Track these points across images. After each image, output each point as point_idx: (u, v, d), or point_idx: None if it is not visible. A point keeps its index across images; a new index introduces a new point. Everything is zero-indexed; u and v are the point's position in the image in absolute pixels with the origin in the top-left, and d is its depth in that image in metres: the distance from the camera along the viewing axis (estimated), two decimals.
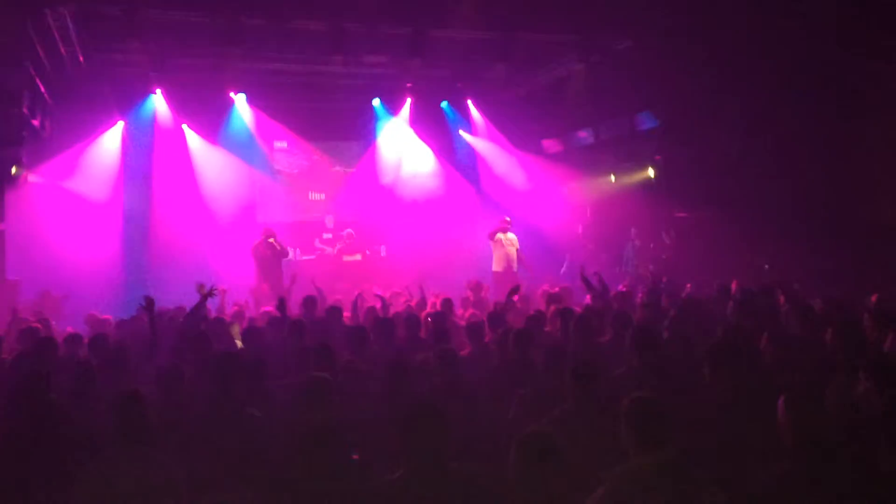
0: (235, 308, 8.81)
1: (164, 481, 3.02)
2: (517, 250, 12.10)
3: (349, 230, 13.55)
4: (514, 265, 12.00)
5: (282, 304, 7.04)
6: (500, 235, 12.05)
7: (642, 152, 12.95)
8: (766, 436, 3.27)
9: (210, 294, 6.95)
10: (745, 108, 10.96)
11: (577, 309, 7.40)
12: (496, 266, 12.05)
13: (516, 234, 12.27)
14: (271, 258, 11.55)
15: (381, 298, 8.17)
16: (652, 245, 12.57)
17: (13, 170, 9.92)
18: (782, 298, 7.44)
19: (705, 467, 3.01)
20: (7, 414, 4.42)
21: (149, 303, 5.98)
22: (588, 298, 8.29)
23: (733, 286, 8.24)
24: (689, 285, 9.39)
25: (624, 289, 9.55)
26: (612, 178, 13.74)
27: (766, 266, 9.21)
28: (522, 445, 2.98)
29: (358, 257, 13.33)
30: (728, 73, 10.89)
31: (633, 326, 5.67)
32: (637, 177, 13.03)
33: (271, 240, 11.64)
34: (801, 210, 10.12)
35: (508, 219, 12.30)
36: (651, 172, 12.76)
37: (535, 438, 3.00)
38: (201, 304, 6.72)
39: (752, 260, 9.96)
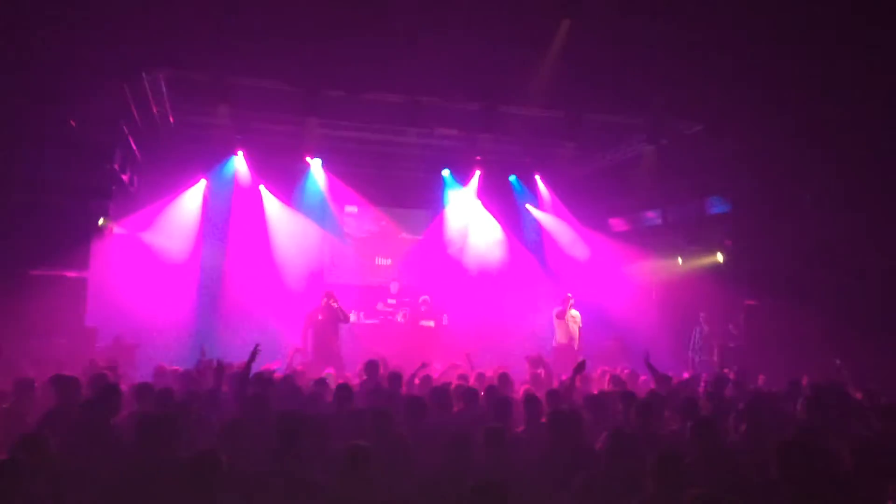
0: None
1: None
2: (579, 328, 12.05)
3: (425, 297, 13.65)
4: (576, 342, 11.93)
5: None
6: (562, 313, 12.08)
7: (712, 236, 12.79)
8: None
9: (254, 354, 7.04)
10: (820, 196, 10.79)
11: (640, 394, 7.25)
12: (559, 340, 12.00)
13: (579, 312, 12.24)
14: (326, 321, 11.64)
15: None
16: (719, 332, 12.29)
17: (101, 221, 10.44)
18: (859, 395, 7.16)
19: None
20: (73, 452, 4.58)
21: (218, 364, 6.14)
22: (652, 383, 8.12)
23: (804, 381, 7.96)
24: (761, 377, 9.11)
25: (688, 376, 9.32)
26: (680, 260, 13.57)
27: (838, 362, 8.87)
28: None
29: (432, 324, 13.38)
30: (804, 160, 10.77)
31: (696, 417, 5.54)
32: (706, 260, 12.85)
33: (332, 303, 11.74)
34: (877, 303, 9.79)
35: (570, 296, 12.30)
36: (720, 257, 12.57)
37: None
38: (248, 364, 6.85)
39: (824, 354, 9.62)
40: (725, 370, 9.74)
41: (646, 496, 3.86)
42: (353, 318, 12.82)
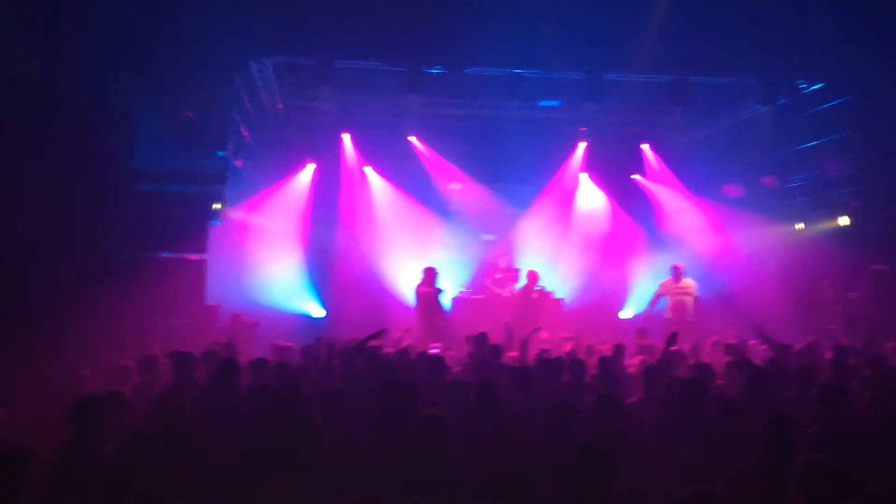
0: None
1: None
2: (695, 298, 11.58)
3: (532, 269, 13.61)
4: (689, 313, 11.48)
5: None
6: (670, 283, 11.66)
7: (835, 199, 12.05)
8: None
9: (378, 335, 7.22)
10: None
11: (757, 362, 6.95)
12: (667, 314, 11.62)
13: (695, 282, 11.78)
14: (431, 298, 11.78)
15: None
16: (844, 299, 11.58)
17: (217, 206, 10.97)
18: None
19: None
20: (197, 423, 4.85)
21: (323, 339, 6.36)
22: (768, 352, 7.77)
23: None
24: (891, 345, 8.52)
25: (809, 344, 8.83)
26: (801, 225, 12.87)
27: None
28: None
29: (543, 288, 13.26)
30: None
31: (820, 384, 5.26)
32: (829, 225, 12.12)
33: (433, 280, 11.83)
34: None
35: (680, 265, 11.85)
36: (846, 220, 11.82)
37: (702, 499, 2.83)
38: (367, 339, 7.04)
39: None
40: (843, 339, 9.17)
41: (751, 463, 3.70)
42: (461, 292, 12.93)
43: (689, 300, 11.57)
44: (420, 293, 11.78)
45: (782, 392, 5.83)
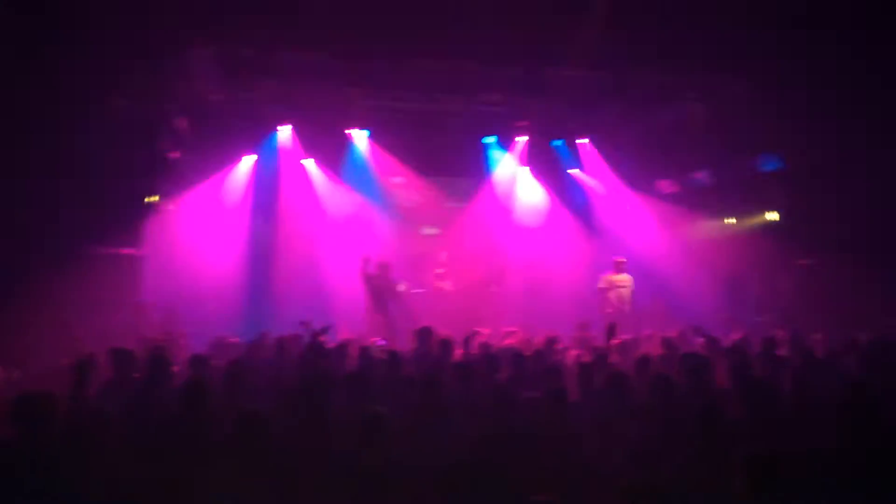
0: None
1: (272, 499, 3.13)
2: (631, 291, 11.86)
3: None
4: (628, 306, 11.76)
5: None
6: (612, 277, 11.93)
7: (764, 195, 12.49)
8: None
9: (324, 332, 7.18)
10: (876, 150, 10.43)
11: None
12: (609, 307, 11.86)
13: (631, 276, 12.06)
14: (384, 290, 11.80)
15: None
16: (771, 292, 12.03)
17: (151, 199, 10.67)
18: None
19: None
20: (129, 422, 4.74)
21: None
22: (700, 345, 8.03)
23: (861, 339, 7.76)
24: (818, 337, 8.91)
25: (740, 337, 9.16)
26: (731, 220, 13.29)
27: (892, 321, 8.69)
28: (630, 494, 2.91)
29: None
30: (857, 115, 10.42)
31: (749, 376, 5.47)
32: (758, 220, 12.56)
33: (385, 274, 11.88)
34: None
35: (622, 259, 12.12)
36: (773, 216, 12.27)
37: (650, 489, 2.92)
38: (317, 336, 7.00)
39: (878, 314, 9.36)
40: (778, 331, 9.53)
41: (692, 453, 3.83)
42: (402, 288, 12.90)
43: (626, 293, 11.84)
44: (371, 285, 11.76)
45: (716, 383, 6.02)
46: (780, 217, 12.17)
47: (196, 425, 4.39)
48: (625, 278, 12.00)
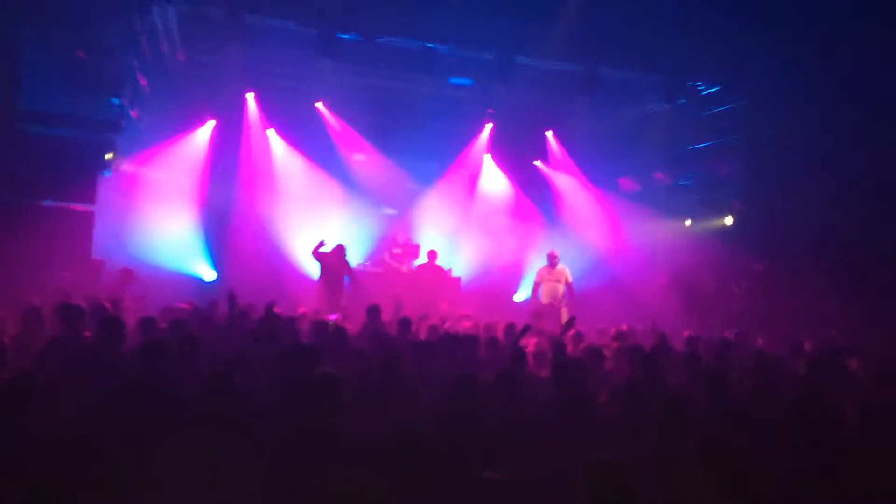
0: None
1: (237, 460, 3.07)
2: (567, 285, 11.83)
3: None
4: (559, 300, 11.72)
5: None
6: (544, 270, 11.92)
7: (722, 198, 12.73)
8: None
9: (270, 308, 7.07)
10: (829, 163, 10.70)
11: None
12: (542, 299, 11.87)
13: (570, 268, 12.06)
14: (335, 272, 11.67)
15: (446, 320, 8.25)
16: (724, 295, 12.28)
17: (109, 156, 10.35)
18: (856, 363, 7.20)
19: None
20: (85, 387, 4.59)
21: (231, 297, 6.20)
22: (652, 340, 8.15)
23: (806, 345, 7.99)
24: (760, 340, 9.15)
25: (689, 335, 9.31)
26: (688, 222, 13.52)
27: (833, 332, 9.00)
28: (594, 474, 2.92)
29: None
30: (815, 127, 10.68)
31: (705, 370, 5.56)
32: (714, 223, 12.79)
33: (343, 256, 11.75)
34: (884, 274, 9.79)
35: (554, 253, 12.11)
36: (729, 220, 12.52)
37: (610, 469, 2.94)
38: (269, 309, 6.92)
39: (822, 322, 9.65)
40: (726, 332, 9.75)
41: (650, 444, 3.88)
42: (358, 265, 12.78)
43: (560, 287, 11.84)
44: (325, 264, 11.63)
45: (669, 378, 6.11)
46: (736, 221, 12.41)
47: (157, 388, 4.28)
48: (558, 272, 11.96)
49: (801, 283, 10.57)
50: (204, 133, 13.31)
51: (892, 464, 3.53)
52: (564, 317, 10.72)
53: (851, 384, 6.17)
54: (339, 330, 6.89)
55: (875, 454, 3.83)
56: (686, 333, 9.23)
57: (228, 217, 13.39)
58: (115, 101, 10.38)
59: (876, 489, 3.38)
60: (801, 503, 3.26)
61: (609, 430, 4.50)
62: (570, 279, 11.90)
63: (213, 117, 13.34)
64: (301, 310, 9.18)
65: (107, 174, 10.52)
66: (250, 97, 13.50)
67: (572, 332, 8.06)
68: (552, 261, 11.96)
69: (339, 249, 11.73)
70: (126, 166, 11.38)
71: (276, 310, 7.36)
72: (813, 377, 6.42)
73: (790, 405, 4.09)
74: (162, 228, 11.98)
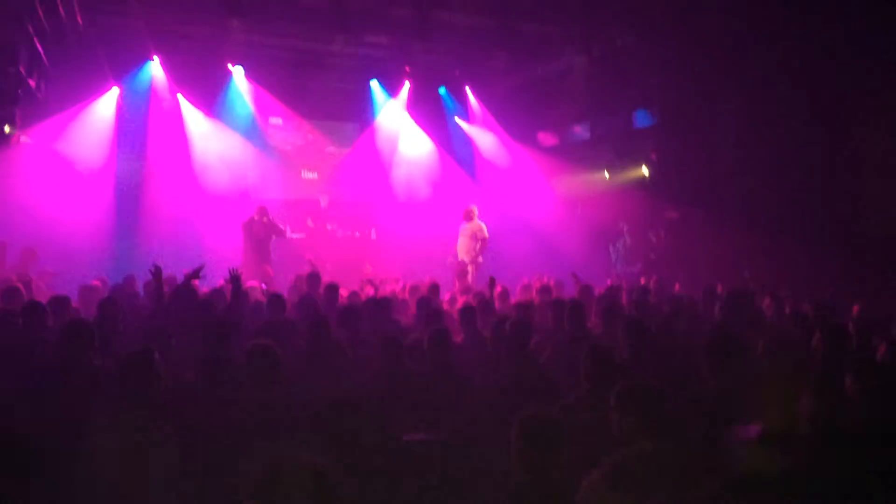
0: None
1: (160, 439, 3.01)
2: (482, 240, 11.96)
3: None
4: (472, 255, 11.87)
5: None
6: (462, 227, 12.02)
7: (638, 150, 13.00)
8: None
9: (196, 275, 6.86)
10: (741, 112, 11.07)
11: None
12: (459, 255, 12.02)
13: (488, 223, 12.19)
14: (264, 237, 11.49)
15: (373, 283, 8.22)
16: (642, 244, 12.63)
17: (6, 129, 9.79)
18: (767, 301, 7.54)
19: (705, 456, 3.05)
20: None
21: (157, 271, 6.01)
22: (575, 292, 8.33)
23: (719, 288, 8.32)
24: (677, 285, 9.48)
25: (610, 284, 9.58)
26: (607, 174, 13.78)
27: (746, 274, 9.42)
28: (526, 426, 2.98)
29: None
30: (727, 77, 10.99)
31: (625, 318, 5.73)
32: (632, 174, 13.08)
33: (265, 219, 11.58)
34: (790, 216, 10.23)
35: (470, 208, 12.20)
36: (645, 171, 12.82)
37: (541, 422, 3.01)
38: (189, 281, 6.71)
39: (736, 264, 10.07)
40: (644, 279, 10.06)
41: (581, 393, 3.99)
42: (287, 232, 12.58)
43: (468, 242, 11.99)
44: (250, 232, 11.40)
45: (594, 328, 6.28)
46: (651, 172, 12.72)
47: (79, 369, 4.14)
48: (469, 227, 12.08)
49: (714, 230, 10.94)
50: (108, 101, 12.69)
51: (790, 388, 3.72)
52: (471, 273, 10.86)
53: (761, 322, 6.47)
54: (276, 298, 6.76)
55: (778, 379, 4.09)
56: (609, 283, 9.50)
57: (139, 187, 12.90)
58: (11, 70, 9.75)
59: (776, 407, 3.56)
60: (718, 435, 3.40)
61: (545, 381, 4.61)
62: (486, 235, 12.02)
63: (116, 84, 12.73)
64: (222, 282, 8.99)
65: (6, 149, 9.93)
66: (155, 61, 12.92)
67: (499, 288, 8.16)
68: (467, 215, 12.06)
69: (261, 211, 11.54)
70: (26, 140, 10.77)
71: (197, 282, 7.19)
72: (725, 318, 6.71)
73: (704, 346, 4.28)
74: (68, 203, 11.43)
